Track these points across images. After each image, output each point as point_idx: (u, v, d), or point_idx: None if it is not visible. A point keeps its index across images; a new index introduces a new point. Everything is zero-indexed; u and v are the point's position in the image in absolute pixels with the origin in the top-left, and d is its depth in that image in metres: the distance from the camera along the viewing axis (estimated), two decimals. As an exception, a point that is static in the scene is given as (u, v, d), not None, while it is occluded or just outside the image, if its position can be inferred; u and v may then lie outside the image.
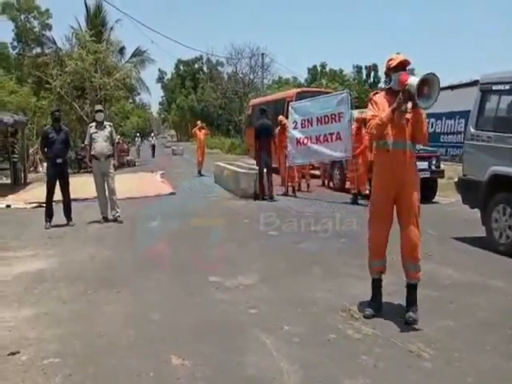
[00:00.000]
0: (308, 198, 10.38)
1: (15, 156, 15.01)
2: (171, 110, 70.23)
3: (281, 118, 11.40)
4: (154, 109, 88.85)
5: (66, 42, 24.02)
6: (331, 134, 9.72)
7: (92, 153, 7.72)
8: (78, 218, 7.79)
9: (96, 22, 24.12)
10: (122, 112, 32.71)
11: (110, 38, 24.25)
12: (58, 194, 7.56)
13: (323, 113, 9.86)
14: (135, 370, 2.84)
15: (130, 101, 32.68)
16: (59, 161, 7.45)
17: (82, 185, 9.89)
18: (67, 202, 7.60)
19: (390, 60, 3.53)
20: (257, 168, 10.34)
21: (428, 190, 9.12)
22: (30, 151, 19.02)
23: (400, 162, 3.47)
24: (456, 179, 6.80)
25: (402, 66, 3.49)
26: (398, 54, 3.59)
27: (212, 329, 3.45)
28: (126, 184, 11.14)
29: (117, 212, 7.72)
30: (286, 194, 10.64)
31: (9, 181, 14.60)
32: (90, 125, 8.05)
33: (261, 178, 10.03)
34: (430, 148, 9.89)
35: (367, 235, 3.72)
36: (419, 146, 6.49)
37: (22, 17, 34.69)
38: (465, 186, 6.39)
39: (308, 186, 11.73)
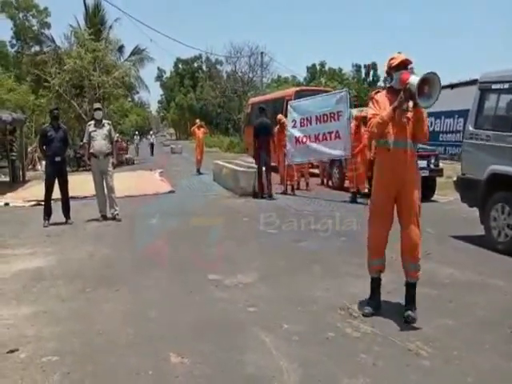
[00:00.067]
0: (307, 196, 10.38)
1: (14, 154, 15.00)
2: (170, 108, 70.17)
3: (280, 116, 11.39)
4: (153, 107, 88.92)
5: (64, 41, 24.03)
6: (330, 133, 9.72)
7: (91, 151, 7.71)
8: (77, 216, 7.78)
9: (95, 20, 24.06)
10: (121, 110, 32.70)
11: (108, 36, 24.21)
12: (56, 192, 7.55)
13: (322, 111, 9.85)
14: (134, 368, 2.83)
15: (129, 99, 32.59)
16: (58, 159, 7.44)
17: (80, 183, 9.88)
18: (66, 200, 7.59)
19: (392, 59, 3.53)
20: (256, 166, 10.34)
21: (427, 189, 9.11)
22: (29, 149, 19.00)
23: (401, 161, 3.46)
24: (455, 178, 6.81)
25: (404, 65, 3.49)
26: (399, 53, 3.59)
27: (211, 327, 3.45)
28: (124, 182, 11.13)
29: (115, 210, 7.71)
30: (285, 193, 10.64)
31: (7, 179, 14.60)
32: (89, 123, 8.04)
33: (260, 176, 10.02)
34: (428, 147, 9.90)
35: (367, 234, 3.72)
36: (418, 145, 6.50)
37: (21, 15, 34.60)
38: (463, 185, 6.40)
39: (307, 184, 11.72)
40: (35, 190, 10.88)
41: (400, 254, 3.60)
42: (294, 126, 10.38)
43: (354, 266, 4.70)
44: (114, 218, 7.67)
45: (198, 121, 17.61)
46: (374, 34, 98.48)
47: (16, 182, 14.12)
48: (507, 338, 3.23)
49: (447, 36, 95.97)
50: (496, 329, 3.38)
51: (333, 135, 9.68)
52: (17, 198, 10.40)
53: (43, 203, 7.57)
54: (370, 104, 3.63)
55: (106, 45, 22.68)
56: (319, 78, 46.29)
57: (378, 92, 3.70)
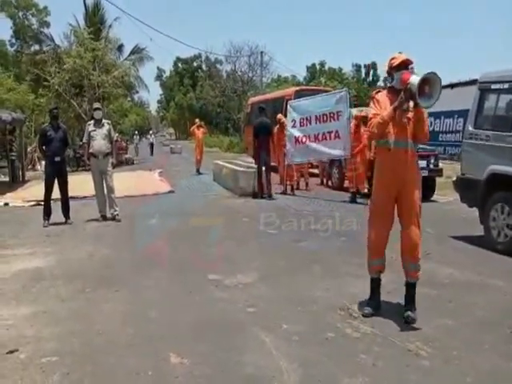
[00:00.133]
0: (307, 196, 10.38)
1: (13, 154, 14.98)
2: (170, 108, 70.14)
3: (279, 116, 11.39)
4: (153, 107, 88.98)
5: (64, 40, 24.02)
6: (330, 133, 9.72)
7: (90, 151, 7.70)
8: (76, 216, 7.77)
9: (94, 19, 24.03)
10: (121, 110, 32.66)
11: (108, 35, 24.20)
12: (56, 192, 7.54)
13: (322, 111, 9.85)
14: (133, 369, 2.83)
15: (129, 99, 32.61)
16: (57, 159, 7.43)
17: (80, 183, 9.87)
18: (65, 200, 7.58)
19: (393, 59, 3.53)
20: (255, 166, 10.34)
21: (426, 189, 9.11)
22: (28, 149, 18.98)
23: (401, 161, 3.46)
24: (454, 178, 6.81)
25: (404, 64, 3.48)
26: (400, 53, 3.58)
27: (211, 327, 3.45)
28: (124, 182, 11.12)
29: (115, 210, 7.71)
30: (284, 193, 10.64)
31: (7, 179, 14.58)
32: (89, 123, 8.04)
33: (259, 176, 10.02)
34: (428, 147, 9.90)
35: (367, 234, 3.72)
36: (418, 145, 6.51)
37: (20, 14, 34.54)
38: (463, 185, 6.40)
39: (307, 184, 11.73)
40: (35, 189, 10.87)
41: (400, 254, 3.60)
42: (293, 126, 10.38)
43: (354, 266, 4.70)
44: (113, 218, 7.66)
45: (197, 120, 17.60)
46: (374, 34, 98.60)
47: (15, 182, 14.11)
48: (507, 338, 3.23)
49: (447, 36, 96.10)
50: (495, 329, 3.38)
51: (332, 135, 9.68)
52: (16, 198, 10.39)
53: (43, 203, 7.57)
54: (371, 104, 3.63)
55: (106, 44, 22.67)
56: (319, 77, 46.27)
57: (379, 92, 3.69)
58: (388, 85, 3.75)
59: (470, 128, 6.25)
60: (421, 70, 3.50)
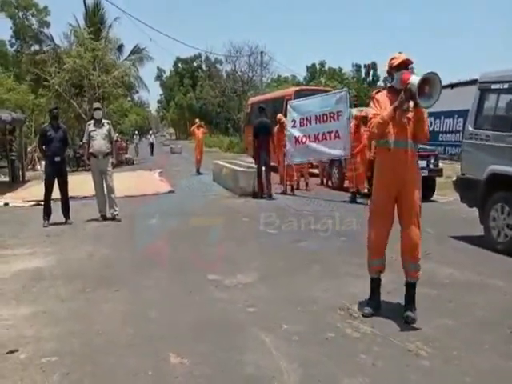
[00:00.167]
0: (306, 196, 10.38)
1: (13, 154, 14.99)
2: (170, 108, 70.13)
3: (279, 116, 11.39)
4: (153, 107, 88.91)
5: (64, 40, 24.01)
6: (330, 133, 9.72)
7: (90, 151, 7.70)
8: (76, 216, 7.77)
9: (94, 19, 24.03)
10: (121, 110, 32.64)
11: (108, 35, 24.19)
12: (56, 192, 7.54)
13: (322, 111, 9.85)
14: (133, 369, 2.83)
15: (129, 99, 32.57)
16: (57, 159, 7.43)
17: (80, 183, 9.87)
18: (65, 200, 7.58)
19: (393, 59, 3.52)
20: (255, 166, 10.33)
21: (426, 189, 9.11)
22: (28, 149, 18.99)
23: (401, 161, 3.46)
24: (454, 178, 6.80)
25: (404, 64, 3.48)
26: (400, 53, 3.57)
27: (211, 327, 3.45)
28: (124, 182, 11.12)
29: (115, 210, 7.71)
30: (284, 193, 10.64)
31: (7, 179, 14.58)
32: (89, 123, 8.04)
33: (259, 176, 10.02)
34: (428, 147, 9.90)
35: (367, 234, 3.72)
36: (418, 145, 6.52)
37: (20, 14, 34.55)
38: (463, 185, 6.40)
39: (307, 184, 11.73)
40: (35, 189, 10.87)
41: (400, 254, 3.60)
42: (293, 126, 10.38)
43: (354, 266, 4.70)
44: (113, 218, 7.66)
45: (197, 120, 17.61)
46: (373, 34, 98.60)
47: (15, 182, 14.11)
48: (506, 338, 3.23)
49: (447, 36, 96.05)
50: (495, 329, 3.38)
51: (332, 135, 9.68)
52: (16, 198, 10.39)
53: (43, 203, 7.57)
54: (371, 104, 3.63)
55: (106, 44, 22.67)
56: (319, 77, 46.26)
57: (379, 92, 3.69)
58: (388, 85, 3.75)
59: (470, 128, 6.25)
60: (421, 70, 3.50)
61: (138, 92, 33.01)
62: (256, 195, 10.00)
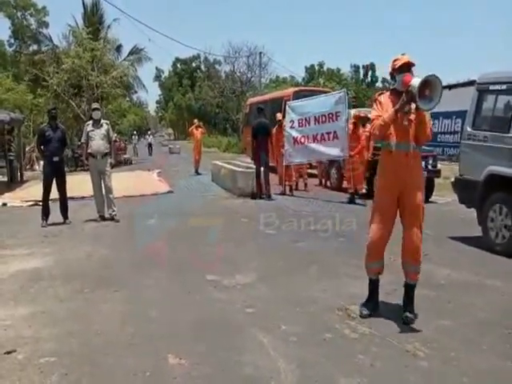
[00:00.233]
0: (305, 197, 10.38)
1: (11, 154, 14.95)
2: (168, 108, 70.15)
3: (279, 115, 11.41)
4: (151, 107, 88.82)
5: (62, 40, 23.98)
6: (328, 133, 9.72)
7: (89, 151, 7.70)
8: (75, 217, 7.77)
9: (93, 19, 24.01)
10: (119, 110, 32.62)
11: (107, 35, 24.18)
12: (54, 193, 7.54)
13: (320, 112, 9.85)
14: (132, 369, 2.83)
15: (127, 99, 32.55)
16: (56, 159, 7.42)
17: (78, 183, 9.86)
18: (64, 200, 7.58)
19: (395, 60, 3.51)
20: (254, 167, 10.33)
21: (425, 190, 9.13)
22: (27, 149, 18.97)
23: (402, 164, 3.45)
24: (453, 179, 6.81)
25: (407, 66, 3.47)
26: (403, 54, 3.55)
27: (209, 328, 3.45)
28: (122, 182, 11.11)
29: (113, 210, 7.70)
30: (283, 193, 10.64)
31: (5, 179, 14.55)
32: (87, 123, 8.03)
33: (258, 176, 10.02)
34: (426, 148, 9.90)
35: (366, 235, 3.72)
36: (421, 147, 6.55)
37: (19, 14, 34.53)
38: (461, 186, 6.41)
39: (305, 185, 11.74)
40: (33, 190, 10.86)
41: (400, 255, 3.60)
42: (291, 127, 10.38)
43: (353, 266, 4.70)
44: (111, 219, 7.66)
45: (196, 121, 17.62)
46: (373, 34, 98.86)
47: (14, 182, 14.09)
48: (504, 339, 3.24)
49: (447, 36, 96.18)
50: (493, 329, 3.39)
51: (331, 136, 9.69)
52: (15, 198, 10.38)
53: (41, 203, 7.56)
54: (374, 105, 3.63)
55: (105, 44, 22.66)
56: (318, 78, 46.37)
57: (382, 93, 3.69)
58: (390, 86, 3.75)
59: (468, 129, 6.27)
60: (421, 71, 3.50)
61: (136, 92, 32.92)
62: (255, 196, 10.00)
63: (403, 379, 2.73)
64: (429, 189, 9.59)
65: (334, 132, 9.61)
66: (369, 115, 10.34)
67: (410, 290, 3.59)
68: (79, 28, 23.33)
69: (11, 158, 14.80)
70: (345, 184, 10.56)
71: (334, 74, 48.75)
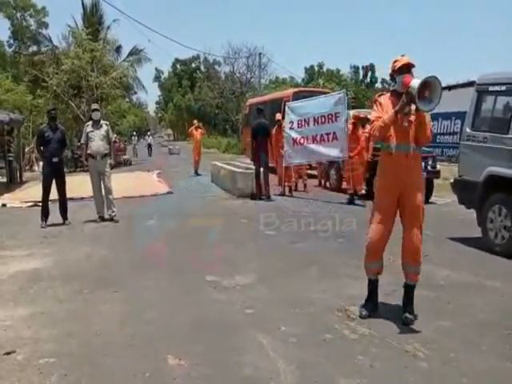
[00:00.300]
0: (305, 197, 10.38)
1: (11, 155, 14.96)
2: (168, 109, 70.14)
3: (278, 115, 11.41)
4: (151, 108, 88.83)
5: (62, 41, 24.02)
6: (328, 134, 9.73)
7: (88, 152, 7.70)
8: (74, 217, 7.76)
9: (93, 20, 24.05)
10: (119, 111, 32.54)
11: (106, 36, 24.20)
12: (54, 193, 7.53)
13: (320, 113, 9.86)
14: (131, 370, 2.83)
15: (127, 100, 32.54)
16: (55, 160, 7.42)
17: (78, 184, 9.85)
18: (63, 201, 7.58)
19: (395, 62, 3.51)
20: (254, 167, 10.34)
21: (424, 191, 9.13)
22: (26, 150, 18.96)
23: (402, 165, 3.45)
24: (452, 180, 6.82)
25: (407, 67, 3.47)
26: (402, 55, 3.56)
27: (209, 328, 3.45)
28: (122, 183, 11.10)
29: (113, 211, 7.70)
30: (282, 194, 10.65)
31: (4, 179, 14.55)
32: (87, 124, 8.03)
33: (258, 177, 10.02)
34: (426, 148, 9.91)
35: (365, 235, 3.72)
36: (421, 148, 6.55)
37: (18, 15, 34.47)
38: (461, 187, 6.41)
39: (305, 185, 11.74)
40: (32, 190, 10.86)
41: (400, 256, 3.60)
42: (291, 128, 10.39)
43: (352, 267, 4.70)
44: (111, 219, 7.66)
45: (195, 122, 17.63)
46: (372, 35, 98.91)
47: (13, 183, 14.09)
48: (504, 339, 3.24)
49: (447, 36, 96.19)
50: (493, 330, 3.40)
51: (330, 136, 9.69)
52: (14, 199, 10.38)
53: (40, 204, 7.56)
54: (374, 107, 3.63)
55: (104, 45, 22.67)
56: (317, 79, 46.38)
57: (382, 94, 3.69)
58: (391, 88, 3.75)
59: (468, 130, 6.27)
60: (420, 71, 3.51)
61: (136, 93, 32.99)
62: (254, 196, 10.00)
63: (403, 380, 2.73)
64: (428, 190, 9.60)
65: (334, 133, 9.62)
66: (368, 116, 10.37)
67: (409, 290, 3.59)
68: (79, 29, 23.36)
69: (11, 158, 14.80)
70: (344, 185, 10.57)
71: (333, 74, 48.77)
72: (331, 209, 8.71)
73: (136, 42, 33.89)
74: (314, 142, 9.97)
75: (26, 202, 9.70)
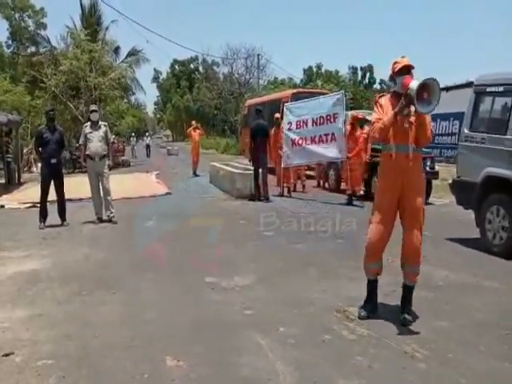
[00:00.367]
0: (303, 198, 10.39)
1: (9, 156, 14.93)
2: (166, 109, 70.14)
3: (278, 115, 11.42)
4: (150, 109, 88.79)
5: (60, 41, 23.99)
6: (326, 135, 9.74)
7: (87, 153, 7.69)
8: (73, 219, 7.75)
9: (91, 21, 24.06)
10: (117, 112, 32.62)
11: (105, 37, 24.20)
12: (52, 194, 7.52)
13: (318, 114, 9.87)
14: (130, 372, 2.82)
15: (125, 100, 32.56)
16: (53, 161, 7.41)
17: (76, 185, 9.85)
18: (61, 202, 7.57)
19: (395, 63, 3.51)
20: (252, 168, 10.34)
21: (423, 191, 9.14)
22: (24, 151, 18.93)
23: (402, 167, 3.45)
24: (450, 180, 6.83)
25: (407, 69, 3.47)
26: (402, 57, 3.56)
27: (208, 329, 3.44)
28: (121, 184, 11.11)
29: (111, 212, 7.69)
30: (281, 195, 10.65)
31: (3, 181, 14.52)
32: (85, 124, 8.02)
33: (256, 178, 10.02)
34: (424, 149, 9.90)
35: (364, 236, 3.72)
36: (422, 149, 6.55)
37: (17, 15, 34.46)
38: (459, 188, 6.42)
39: (303, 186, 11.75)
40: (31, 191, 10.85)
41: (400, 256, 3.60)
42: (289, 129, 10.39)
43: (351, 268, 4.70)
44: (109, 221, 7.65)
45: (194, 122, 17.61)
46: (371, 35, 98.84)
47: (11, 184, 14.05)
48: (502, 340, 3.25)
49: (446, 37, 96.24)
50: (491, 330, 3.40)
51: (329, 137, 9.70)
52: (12, 200, 10.36)
53: (39, 205, 7.55)
54: (375, 108, 3.63)
55: (103, 46, 22.67)
56: (316, 80, 46.43)
57: (383, 96, 3.69)
58: (391, 89, 3.76)
59: (466, 130, 6.28)
60: (420, 72, 3.51)
61: (134, 94, 32.98)
62: (253, 197, 10.00)
63: (401, 380, 2.73)
64: (427, 190, 9.61)
65: (332, 134, 9.63)
66: (366, 117, 10.39)
67: (408, 291, 3.59)
68: (77, 30, 23.36)
69: (9, 159, 14.77)
70: (343, 185, 10.57)
71: (332, 75, 48.82)
72: (330, 209, 8.71)
73: (134, 43, 33.76)
74: (312, 143, 9.98)
75: (25, 203, 9.69)
